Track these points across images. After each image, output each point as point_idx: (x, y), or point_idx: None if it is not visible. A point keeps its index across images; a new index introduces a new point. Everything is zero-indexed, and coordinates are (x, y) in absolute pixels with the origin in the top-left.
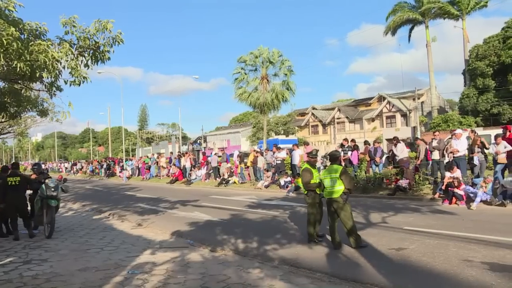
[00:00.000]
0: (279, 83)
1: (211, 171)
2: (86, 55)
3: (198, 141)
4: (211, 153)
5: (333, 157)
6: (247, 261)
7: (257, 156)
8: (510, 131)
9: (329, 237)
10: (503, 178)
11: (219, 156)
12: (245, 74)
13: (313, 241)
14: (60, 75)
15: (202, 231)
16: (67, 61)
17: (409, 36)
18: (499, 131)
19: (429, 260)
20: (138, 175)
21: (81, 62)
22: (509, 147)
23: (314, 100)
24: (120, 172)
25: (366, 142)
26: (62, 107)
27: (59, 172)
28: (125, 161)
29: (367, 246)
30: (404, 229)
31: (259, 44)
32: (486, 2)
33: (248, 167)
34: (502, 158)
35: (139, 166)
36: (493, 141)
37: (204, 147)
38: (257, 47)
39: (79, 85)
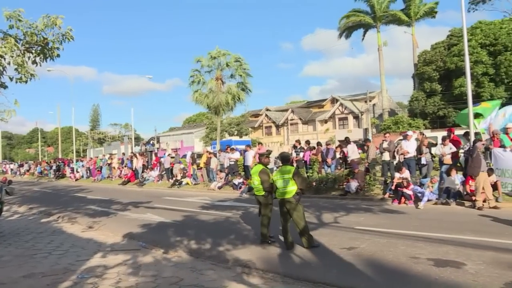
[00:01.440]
0: (234, 84)
1: (164, 172)
2: (33, 51)
3: (151, 142)
4: (164, 154)
5: (285, 158)
6: (201, 263)
7: (210, 157)
8: (453, 133)
9: (281, 238)
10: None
11: (172, 157)
12: (201, 75)
13: (266, 241)
14: (4, 72)
15: (155, 233)
16: (12, 57)
17: (363, 39)
18: (445, 133)
19: (379, 258)
20: (89, 176)
21: (29, 59)
22: (454, 149)
23: (268, 101)
24: (70, 173)
25: (318, 144)
26: (8, 105)
27: (3, 173)
28: (76, 162)
29: (319, 246)
30: (355, 229)
31: (215, 45)
32: (435, 12)
33: (201, 168)
34: (448, 159)
35: (90, 167)
36: (440, 142)
37: (157, 148)
38: (213, 48)
39: (26, 82)
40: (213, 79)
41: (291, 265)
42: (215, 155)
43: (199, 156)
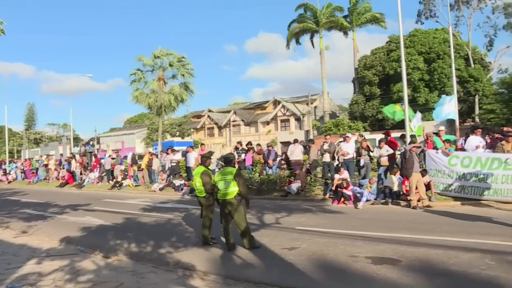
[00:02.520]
0: (177, 84)
1: (104, 173)
2: None
3: (91, 143)
4: (105, 155)
5: (227, 160)
6: (141, 266)
7: (152, 158)
8: (390, 136)
9: (223, 239)
10: (386, 178)
11: (112, 158)
12: (142, 74)
13: (208, 243)
14: None
15: (94, 236)
16: None
17: (312, 43)
18: (383, 135)
19: (319, 258)
20: (24, 178)
21: None
22: (390, 151)
23: (211, 102)
24: (2, 175)
25: (259, 145)
26: None
27: None
28: (8, 164)
29: (260, 246)
30: (296, 229)
31: (158, 45)
32: (379, 20)
33: (142, 169)
34: (384, 161)
35: (25, 169)
36: (377, 145)
37: (97, 149)
38: (156, 47)
39: None
40: (155, 80)
41: (232, 266)
42: (156, 156)
43: (141, 157)
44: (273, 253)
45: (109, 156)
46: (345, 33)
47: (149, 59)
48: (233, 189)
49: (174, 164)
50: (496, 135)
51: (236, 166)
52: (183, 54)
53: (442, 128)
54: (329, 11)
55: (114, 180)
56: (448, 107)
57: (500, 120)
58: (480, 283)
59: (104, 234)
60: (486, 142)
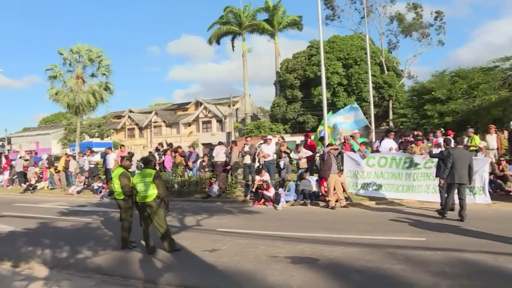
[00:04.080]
0: (97, 82)
1: (16, 176)
2: None
3: (1, 143)
4: (16, 156)
5: (146, 161)
6: (56, 274)
7: (69, 160)
8: (310, 138)
9: (143, 242)
10: (305, 180)
11: (25, 160)
12: (60, 72)
13: (128, 247)
14: None
15: (3, 244)
16: None
17: (233, 45)
18: (303, 138)
19: (240, 259)
20: None
21: None
22: (309, 153)
23: (132, 103)
24: None
25: (179, 147)
26: None
27: None
28: None
29: (181, 249)
30: (217, 231)
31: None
32: (299, 24)
33: (59, 171)
34: (303, 163)
35: None
36: (296, 149)
37: (8, 150)
38: (74, 44)
39: None
40: (73, 77)
41: (153, 269)
42: (74, 157)
43: (57, 158)
44: (194, 256)
45: (21, 157)
46: (272, 36)
47: (68, 54)
48: (153, 192)
49: (93, 166)
50: (408, 138)
51: (158, 167)
52: (102, 49)
53: (357, 131)
54: (252, 14)
55: (27, 183)
56: (356, 116)
57: (411, 124)
58: (392, 277)
59: (14, 242)
60: (399, 144)
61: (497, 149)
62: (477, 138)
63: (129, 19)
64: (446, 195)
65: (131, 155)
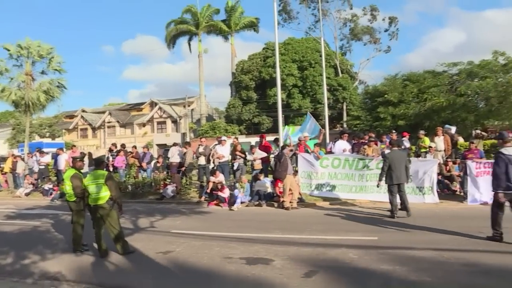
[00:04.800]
0: (48, 80)
1: None
2: None
3: None
4: None
5: (98, 162)
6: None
7: (17, 161)
8: (265, 139)
9: (96, 245)
10: (260, 181)
11: None
12: (6, 67)
13: (79, 250)
14: None
15: None
16: None
17: (189, 46)
18: (258, 139)
19: (195, 260)
20: None
21: None
22: (263, 154)
23: (85, 103)
24: None
25: (134, 147)
26: None
27: None
28: None
29: (134, 251)
30: (172, 232)
31: (26, 36)
32: (256, 26)
33: (5, 173)
34: (258, 164)
35: None
36: (250, 150)
37: None
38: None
39: None
40: (21, 74)
41: (105, 273)
42: (22, 158)
43: (3, 159)
44: (147, 258)
45: None
46: (226, 38)
47: (16, 50)
48: (105, 194)
49: (43, 167)
50: (361, 140)
51: (111, 168)
52: (52, 45)
53: (306, 134)
54: (209, 14)
55: None
56: (310, 125)
57: (364, 126)
58: (345, 276)
59: None
60: (352, 146)
61: (445, 150)
62: (427, 140)
63: (83, 17)
64: (389, 196)
65: (82, 155)
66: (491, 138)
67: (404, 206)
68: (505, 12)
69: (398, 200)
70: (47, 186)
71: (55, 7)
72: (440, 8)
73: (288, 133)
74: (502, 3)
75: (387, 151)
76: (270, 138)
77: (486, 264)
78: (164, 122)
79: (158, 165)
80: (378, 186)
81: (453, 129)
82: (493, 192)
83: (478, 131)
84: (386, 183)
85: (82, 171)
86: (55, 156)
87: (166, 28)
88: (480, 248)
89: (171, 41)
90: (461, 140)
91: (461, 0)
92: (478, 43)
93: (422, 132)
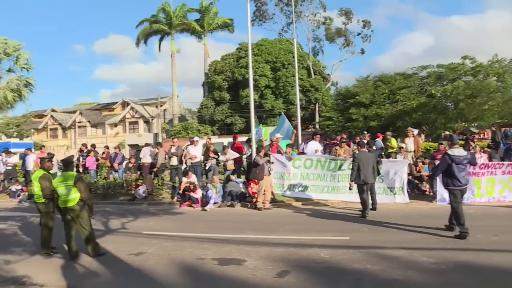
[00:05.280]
0: (15, 76)
1: None
2: None
3: None
4: None
5: (67, 163)
6: None
7: None
8: (237, 140)
9: (65, 247)
10: (233, 182)
11: None
12: None
13: (48, 253)
14: None
15: None
16: None
17: (160, 45)
18: (231, 139)
19: (167, 262)
20: None
21: None
22: (236, 155)
23: (55, 102)
24: None
25: (106, 147)
26: None
27: None
28: None
29: (106, 253)
30: (144, 234)
31: None
32: (230, 26)
33: None
34: (230, 165)
35: None
36: (222, 150)
37: None
38: None
39: None
40: None
41: (75, 276)
42: None
43: None
44: (119, 260)
45: None
46: (199, 38)
47: None
48: (75, 195)
49: (10, 167)
50: (333, 141)
51: (81, 169)
52: (20, 42)
53: (279, 135)
54: (183, 13)
55: None
56: (284, 127)
57: (337, 127)
58: (317, 276)
59: None
60: (324, 146)
61: (414, 151)
62: (393, 140)
63: (54, 16)
64: (360, 196)
65: (51, 156)
66: (459, 139)
67: (373, 205)
68: (469, 18)
69: (370, 201)
70: (14, 187)
71: (24, 2)
72: (409, 12)
73: (261, 133)
74: (467, 10)
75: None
76: (242, 138)
77: (454, 262)
78: (136, 122)
79: (130, 165)
80: (350, 188)
81: (415, 131)
82: (448, 190)
83: (447, 133)
84: (355, 182)
85: (51, 172)
86: (23, 157)
87: (139, 26)
88: (448, 246)
89: (145, 40)
90: (421, 141)
91: (429, 5)
92: (445, 47)
93: (389, 133)
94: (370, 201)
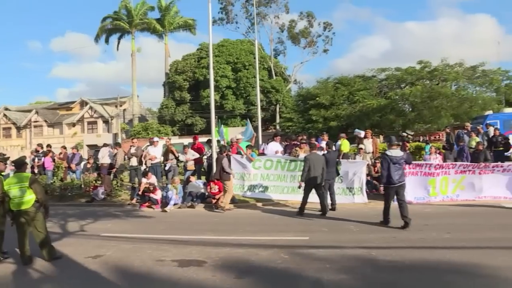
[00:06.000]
0: None
1: None
2: None
3: None
4: None
5: (19, 164)
6: None
7: None
8: (197, 140)
9: (18, 251)
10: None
11: None
12: None
13: None
14: None
15: None
16: None
17: (118, 43)
18: (191, 140)
19: (126, 264)
20: None
21: None
22: (196, 155)
23: (8, 100)
24: None
25: (64, 147)
26: None
27: None
28: None
29: (61, 257)
30: (102, 236)
31: None
32: (192, 27)
33: None
34: (191, 165)
35: None
36: (182, 150)
37: None
38: None
39: None
40: None
41: (29, 281)
42: None
43: None
44: (76, 263)
45: None
46: (160, 37)
47: None
48: (30, 197)
49: None
50: (293, 142)
51: (36, 170)
52: None
53: (240, 136)
54: (143, 12)
55: None
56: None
57: (297, 128)
58: (278, 276)
59: None
60: (284, 147)
61: (373, 152)
62: (345, 143)
63: (6, 9)
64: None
65: (3, 156)
66: (415, 141)
67: (323, 206)
68: (423, 25)
69: (329, 201)
70: None
71: None
72: (366, 17)
73: (223, 134)
74: (420, 17)
75: (318, 153)
76: (203, 139)
77: (410, 260)
78: (95, 122)
79: (88, 166)
80: (299, 187)
81: (362, 133)
82: (381, 187)
83: (405, 134)
84: (305, 183)
85: (3, 173)
86: None
87: (101, 23)
88: (404, 245)
89: (106, 38)
90: (379, 143)
91: (385, 11)
92: (402, 51)
93: (342, 134)
94: (330, 201)
